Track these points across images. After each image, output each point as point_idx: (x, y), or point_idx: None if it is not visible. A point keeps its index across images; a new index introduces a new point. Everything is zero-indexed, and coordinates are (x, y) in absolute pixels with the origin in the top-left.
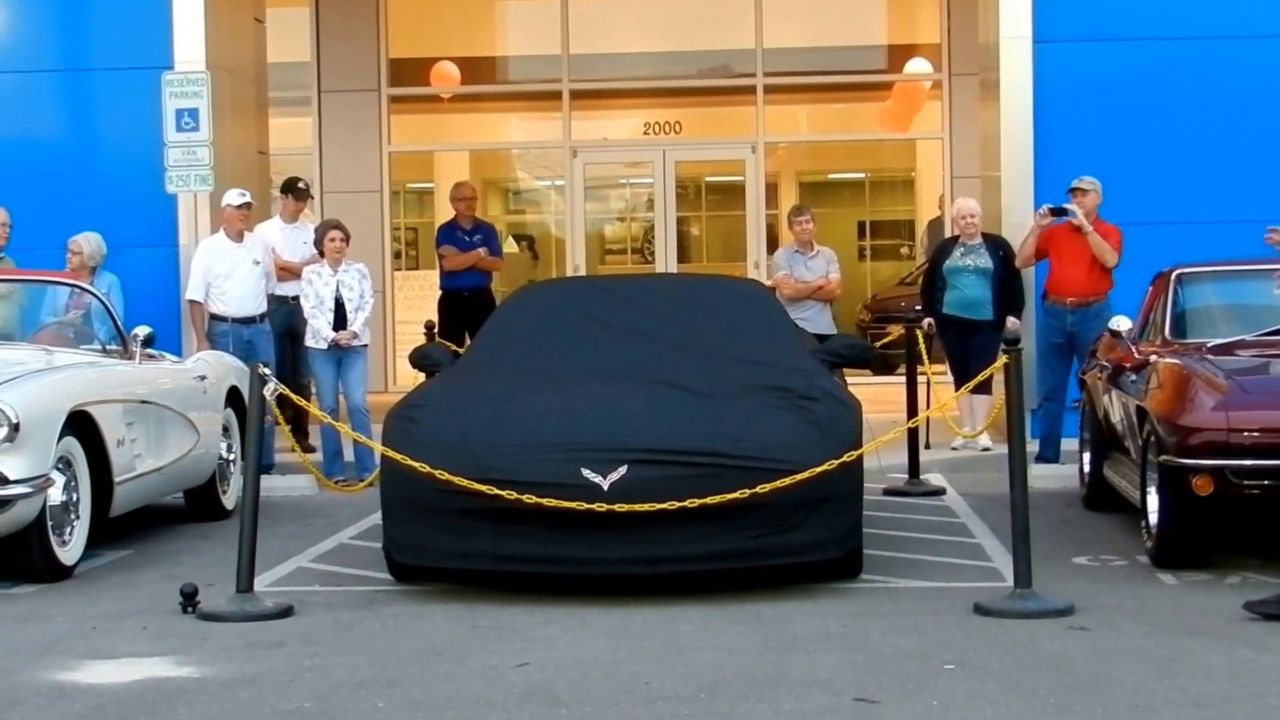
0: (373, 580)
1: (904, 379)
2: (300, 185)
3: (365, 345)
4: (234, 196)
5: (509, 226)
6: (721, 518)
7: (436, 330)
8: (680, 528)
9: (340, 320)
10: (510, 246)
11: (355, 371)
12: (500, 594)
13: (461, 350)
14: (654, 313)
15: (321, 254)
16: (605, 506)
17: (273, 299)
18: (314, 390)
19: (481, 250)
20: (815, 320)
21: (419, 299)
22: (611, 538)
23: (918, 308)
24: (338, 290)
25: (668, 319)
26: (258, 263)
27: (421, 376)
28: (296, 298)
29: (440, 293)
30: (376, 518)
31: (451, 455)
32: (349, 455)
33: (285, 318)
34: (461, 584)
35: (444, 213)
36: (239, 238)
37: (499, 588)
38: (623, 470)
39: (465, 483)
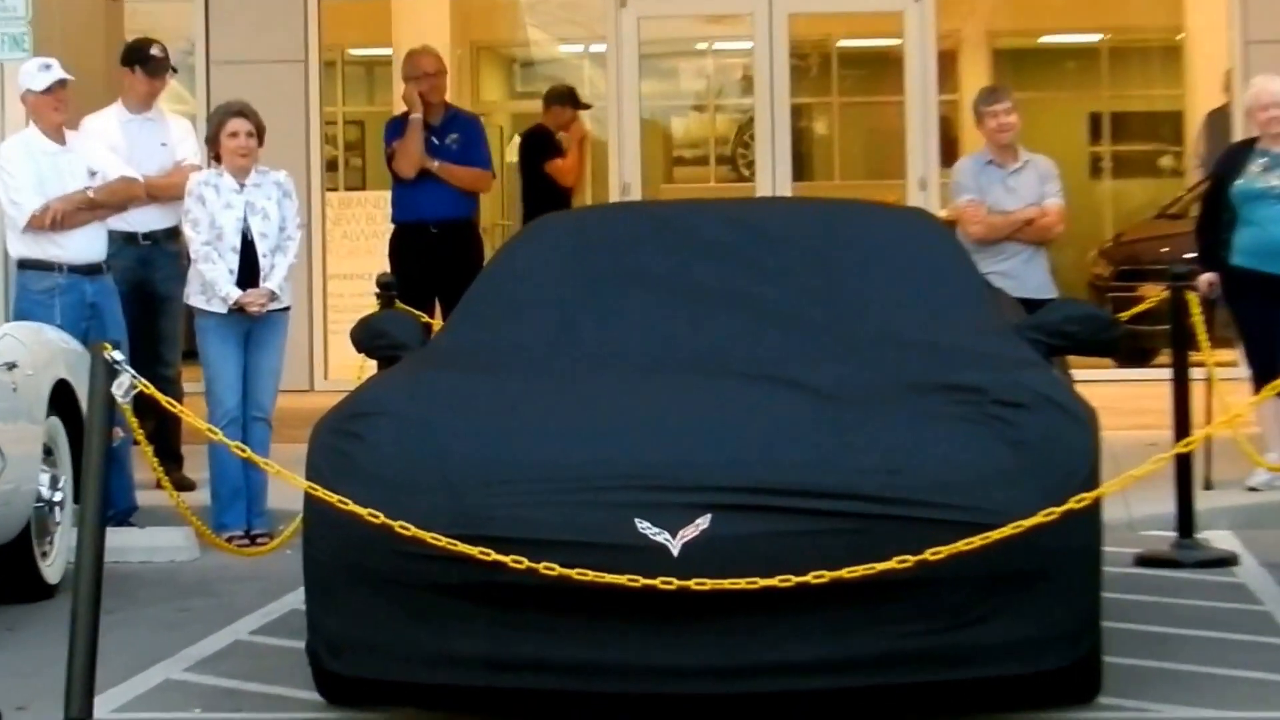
0: (290, 702)
1: (1168, 373)
2: (154, 52)
3: (286, 309)
4: (34, 72)
5: (514, 120)
6: (864, 602)
7: (393, 288)
8: (795, 618)
9: (249, 270)
10: (515, 153)
11: (268, 355)
12: None
13: (433, 322)
14: (751, 263)
15: (217, 159)
16: (675, 583)
17: (115, 236)
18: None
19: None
20: (1021, 275)
21: (366, 239)
22: (683, 634)
23: (1191, 256)
24: (245, 218)
25: (775, 273)
26: (95, 173)
27: (372, 366)
28: (154, 234)
29: (393, 229)
30: (293, 599)
31: (421, 496)
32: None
33: (135, 266)
34: (437, 708)
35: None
36: (59, 135)
37: (498, 715)
38: (703, 523)
39: (444, 541)
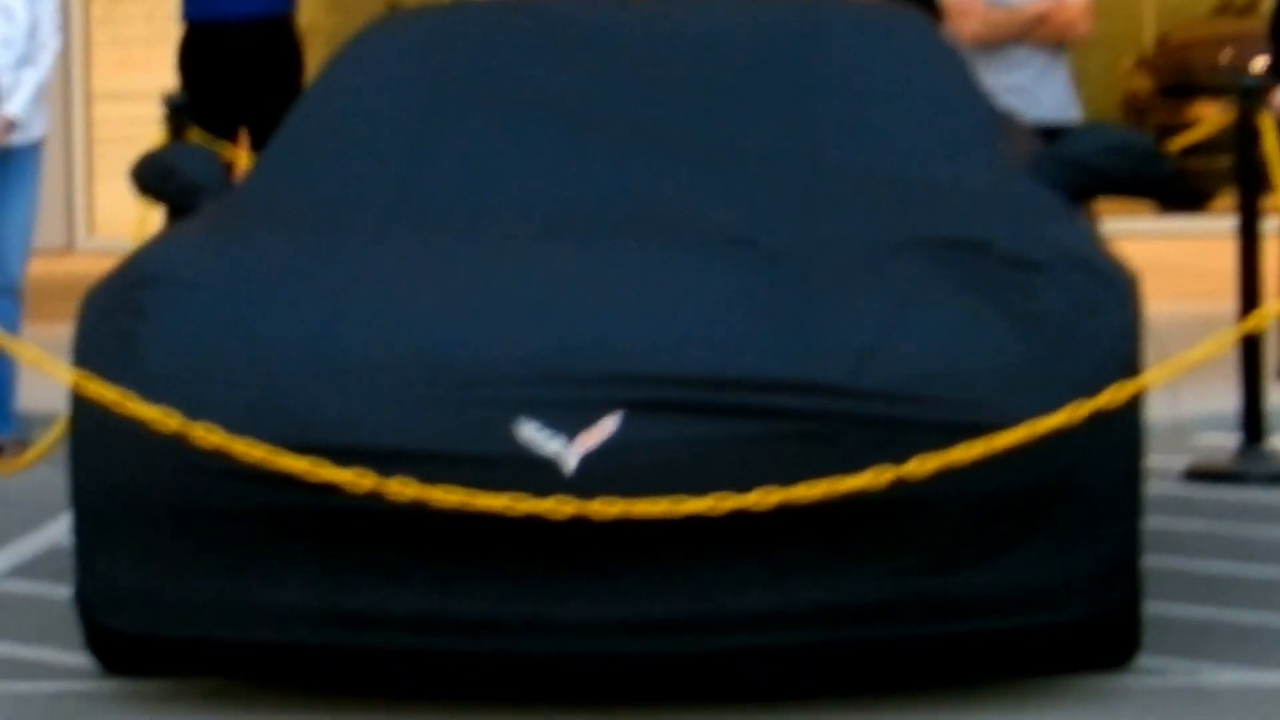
0: (53, 669)
1: (1231, 223)
2: None
3: (36, 144)
4: None
5: None
6: (824, 533)
7: (186, 110)
8: (733, 555)
9: None
10: None
11: (14, 204)
12: (338, 705)
13: (240, 154)
14: (675, 80)
15: None
16: (571, 506)
17: None
18: None
19: None
20: (1035, 91)
21: (145, 45)
22: (582, 576)
23: (1264, 64)
24: None
25: (706, 94)
26: None
27: (157, 219)
28: None
29: (184, 30)
30: (55, 533)
31: (229, 391)
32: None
33: None
34: (250, 676)
35: None
36: None
37: (329, 684)
38: (609, 426)
39: (260, 453)
